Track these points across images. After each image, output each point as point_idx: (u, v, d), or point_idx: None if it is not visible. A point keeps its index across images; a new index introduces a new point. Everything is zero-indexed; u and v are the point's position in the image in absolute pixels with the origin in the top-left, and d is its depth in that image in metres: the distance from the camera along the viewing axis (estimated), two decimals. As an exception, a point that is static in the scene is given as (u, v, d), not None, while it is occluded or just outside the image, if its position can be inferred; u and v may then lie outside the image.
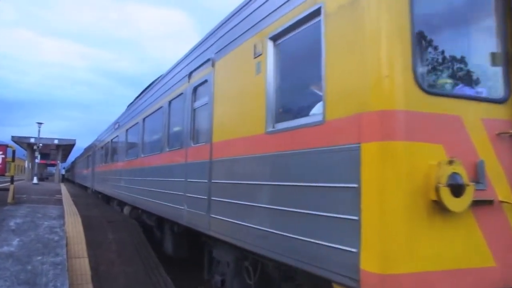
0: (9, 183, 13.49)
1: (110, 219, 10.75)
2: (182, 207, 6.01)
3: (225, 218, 4.61)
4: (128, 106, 12.86)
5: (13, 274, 4.75)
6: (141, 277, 6.05)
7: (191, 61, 6.28)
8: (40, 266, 5.12)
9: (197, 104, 5.95)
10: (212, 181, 5.00)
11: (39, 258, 5.53)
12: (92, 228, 9.11)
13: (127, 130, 11.82)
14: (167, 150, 7.22)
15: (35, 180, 36.62)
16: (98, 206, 15.27)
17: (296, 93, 4.14)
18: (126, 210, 11.86)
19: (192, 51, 6.35)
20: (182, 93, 6.62)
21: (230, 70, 4.91)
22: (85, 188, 29.41)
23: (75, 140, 49.55)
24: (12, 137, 42.40)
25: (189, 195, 5.83)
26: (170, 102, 7.36)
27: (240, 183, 4.34)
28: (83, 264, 6.02)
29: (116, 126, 14.31)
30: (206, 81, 5.52)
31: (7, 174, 13.69)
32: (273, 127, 3.86)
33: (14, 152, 13.63)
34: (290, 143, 3.56)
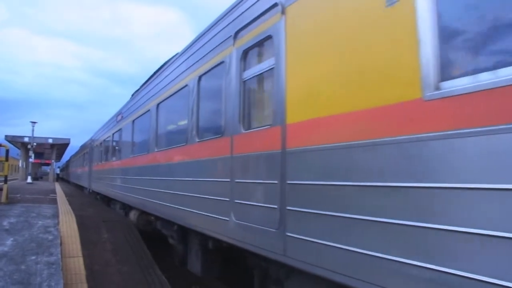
0: (2, 183, 13.38)
1: (105, 218, 10.72)
2: (226, 218, 4.56)
3: (321, 241, 3.10)
4: (133, 95, 11.19)
5: (6, 274, 4.72)
6: (136, 276, 6.03)
7: (237, 17, 4.72)
8: (34, 266, 5.09)
9: (250, 72, 4.43)
10: (288, 182, 3.54)
11: (33, 257, 5.50)
12: (86, 227, 9.07)
13: (133, 121, 10.15)
14: (197, 141, 5.65)
15: (29, 180, 36.38)
16: (92, 205, 15.19)
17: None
18: (133, 215, 10.06)
19: (239, 2, 4.73)
20: (221, 62, 5.05)
21: (323, 9, 3.33)
22: (81, 188, 28.17)
23: (69, 139, 49.32)
24: (6, 136, 42.10)
25: (239, 201, 4.32)
26: (199, 78, 5.77)
27: (357, 186, 2.82)
28: (77, 264, 5.99)
29: (119, 118, 12.58)
30: (269, 37, 4.06)
31: (0, 173, 13.57)
32: (439, 89, 2.31)
33: (7, 151, 13.52)
34: (488, 115, 2.04)
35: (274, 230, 3.67)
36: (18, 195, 16.58)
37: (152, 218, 8.61)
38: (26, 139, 41.66)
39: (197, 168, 5.59)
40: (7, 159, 13.57)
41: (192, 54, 6.15)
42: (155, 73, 8.68)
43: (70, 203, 14.80)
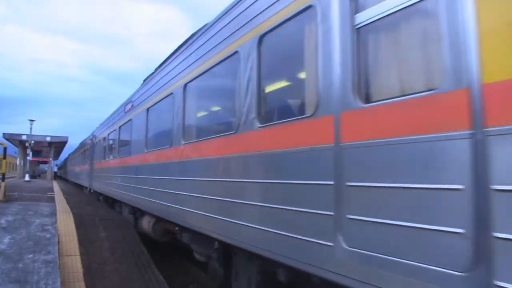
0: (0, 181, 13.35)
1: (103, 217, 10.71)
2: (328, 243, 3.04)
3: None
4: (146, 80, 9.60)
5: (4, 272, 4.72)
6: (133, 275, 6.04)
7: None
8: (31, 264, 5.10)
9: (370, 13, 2.89)
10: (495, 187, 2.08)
11: (31, 256, 5.51)
12: (84, 225, 9.07)
13: (148, 110, 8.58)
14: (258, 126, 4.09)
15: (27, 178, 36.31)
16: (90, 203, 15.17)
17: None
18: (147, 222, 8.44)
19: None
20: (309, 7, 3.46)
21: None
22: (80, 187, 27.05)
23: (67, 137, 49.25)
24: (4, 134, 42.00)
25: (358, 218, 2.80)
26: (261, 39, 4.17)
27: None
28: (75, 262, 6.00)
29: (128, 107, 10.81)
30: None
31: (-2, 171, 13.55)
32: None
33: (5, 149, 13.48)
34: None
35: (463, 274, 2.12)
36: (15, 193, 16.55)
37: (177, 228, 6.84)
38: (24, 137, 41.55)
39: (258, 165, 4.06)
40: (5, 157, 13.53)
41: (249, 7, 4.42)
42: (179, 47, 7.04)
43: (68, 202, 14.78)
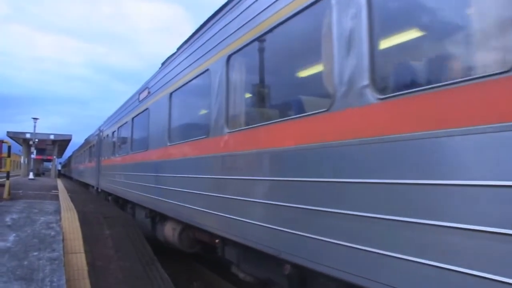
0: (5, 179, 13.43)
1: (107, 215, 10.75)
2: None
3: None
4: (165, 62, 8.16)
5: (9, 269, 4.75)
6: (138, 272, 6.07)
7: None
8: (36, 262, 5.12)
9: None
10: None
11: (36, 253, 5.54)
12: (88, 223, 9.11)
13: (171, 95, 7.24)
14: (378, 98, 2.80)
15: (31, 176, 36.52)
16: (94, 201, 15.24)
17: None
18: (171, 229, 7.20)
19: None
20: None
21: None
22: (85, 185, 25.90)
23: (71, 135, 49.50)
24: (8, 132, 42.23)
25: None
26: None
27: None
28: (79, 260, 6.03)
29: (144, 95, 9.40)
30: None
31: (2, 169, 13.63)
32: None
33: (9, 147, 13.54)
34: None
35: None
36: (20, 191, 16.64)
37: (217, 241, 5.50)
38: (28, 135, 41.78)
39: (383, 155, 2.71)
40: (9, 155, 13.60)
41: None
42: (216, 13, 5.60)
43: (72, 200, 14.85)
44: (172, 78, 7.24)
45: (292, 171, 3.59)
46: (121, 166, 11.45)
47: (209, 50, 5.58)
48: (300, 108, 3.85)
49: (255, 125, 4.37)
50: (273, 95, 4.76)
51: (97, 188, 17.50)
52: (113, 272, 5.95)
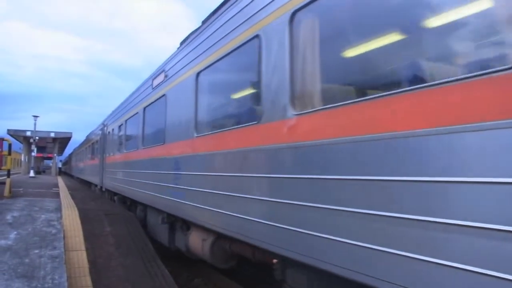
0: (5, 177, 13.44)
1: (107, 212, 10.76)
2: None
3: None
4: (185, 40, 7.01)
5: (11, 267, 4.77)
6: (139, 270, 6.08)
7: None
8: (38, 259, 5.14)
9: None
10: None
11: (37, 251, 5.55)
12: (89, 221, 9.13)
13: (197, 76, 5.99)
14: None
15: (31, 174, 36.56)
16: (95, 199, 15.25)
17: None
18: (200, 240, 6.02)
19: None
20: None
21: None
22: (86, 183, 25.06)
23: (71, 133, 49.52)
24: (8, 130, 42.27)
25: None
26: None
27: None
28: (80, 257, 6.05)
29: (159, 80, 8.01)
30: None
31: (3, 167, 13.64)
32: None
33: (10, 145, 13.55)
34: None
35: None
36: (21, 189, 16.67)
37: (275, 261, 4.32)
38: (28, 133, 41.79)
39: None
40: (9, 153, 13.61)
41: None
42: None
43: (73, 197, 14.87)
44: (200, 55, 5.91)
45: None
46: (130, 163, 10.13)
47: (261, 9, 4.37)
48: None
49: (336, 105, 3.25)
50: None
51: (101, 187, 16.39)
52: (114, 269, 5.96)
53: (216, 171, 5.13)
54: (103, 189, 15.64)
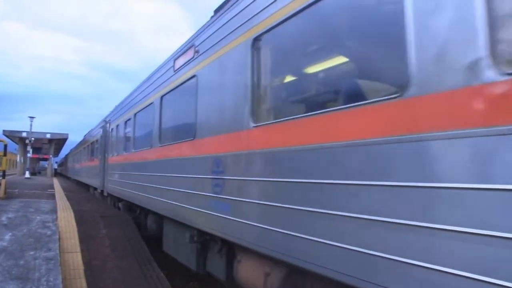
0: (1, 178, 13.37)
1: (103, 214, 10.73)
2: None
3: None
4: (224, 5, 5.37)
5: (5, 269, 4.74)
6: (134, 272, 6.07)
7: None
8: (32, 261, 5.12)
9: None
10: None
11: (32, 253, 5.53)
12: (85, 222, 9.10)
13: (254, 42, 4.34)
14: None
15: (27, 175, 36.36)
16: (90, 200, 15.20)
17: None
18: (262, 274, 4.26)
19: None
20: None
21: None
22: (83, 185, 23.82)
23: (67, 134, 49.28)
24: (4, 131, 42.05)
25: None
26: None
27: None
28: (76, 259, 6.02)
29: (186, 58, 6.28)
30: None
31: (-1, 168, 13.59)
32: None
33: (6, 146, 13.50)
34: None
35: None
36: (16, 190, 16.58)
37: None
38: (24, 134, 41.59)
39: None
40: (5, 154, 13.55)
41: None
42: None
43: (68, 198, 14.82)
44: (258, 14, 4.20)
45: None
46: (141, 164, 8.51)
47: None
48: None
49: None
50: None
51: (102, 191, 14.35)
52: (109, 271, 5.95)
53: (299, 176, 3.40)
54: (105, 194, 13.89)
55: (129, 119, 10.41)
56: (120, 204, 11.76)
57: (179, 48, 6.82)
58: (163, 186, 6.78)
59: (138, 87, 9.78)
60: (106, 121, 14.65)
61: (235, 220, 4.39)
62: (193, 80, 5.89)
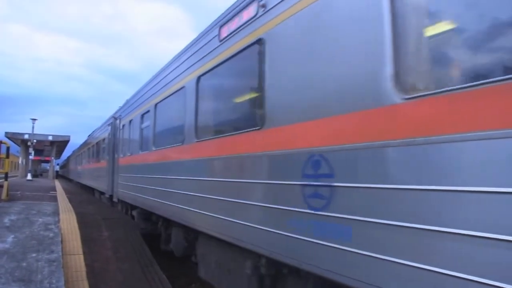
0: (3, 180, 13.41)
1: (105, 216, 10.75)
2: None
3: None
4: None
5: (8, 271, 4.75)
6: (136, 274, 6.07)
7: None
8: (35, 263, 5.13)
9: None
10: None
11: (34, 255, 5.54)
12: (87, 225, 9.11)
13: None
14: None
15: (29, 177, 36.46)
16: (93, 203, 15.22)
17: None
18: None
19: None
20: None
21: None
22: (88, 188, 22.15)
23: (69, 136, 49.44)
24: (6, 133, 42.19)
25: None
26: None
27: None
28: (78, 261, 6.03)
29: (245, 18, 4.59)
30: None
31: (1, 170, 13.62)
32: None
33: (8, 148, 13.54)
34: None
35: None
36: (18, 192, 16.62)
37: None
38: (26, 136, 41.73)
39: None
40: (7, 156, 13.59)
41: None
42: None
43: (70, 201, 14.84)
44: None
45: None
46: (165, 166, 6.98)
47: None
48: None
49: None
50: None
51: (111, 196, 12.72)
52: (111, 273, 5.95)
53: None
54: (115, 200, 12.20)
55: (147, 112, 8.74)
56: (134, 213, 9.97)
57: (222, 14, 5.32)
58: (203, 194, 5.25)
59: (161, 71, 8.03)
60: (115, 118, 13.02)
61: (364, 255, 2.72)
62: (256, 46, 4.34)
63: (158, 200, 7.20)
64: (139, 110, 9.61)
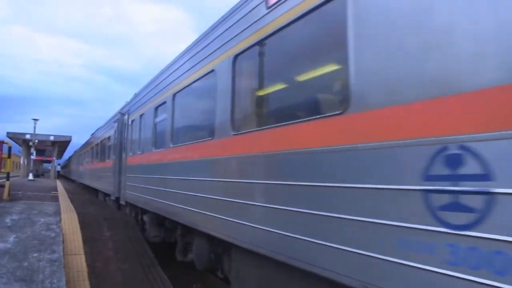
0: (5, 180, 13.43)
1: (106, 216, 10.74)
2: None
3: None
4: None
5: (9, 271, 4.75)
6: (137, 275, 6.06)
7: None
8: (36, 263, 5.12)
9: None
10: None
11: (36, 255, 5.54)
12: (88, 225, 9.11)
13: None
14: None
15: (30, 177, 36.51)
16: (94, 203, 15.22)
17: None
18: None
19: None
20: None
21: None
22: (92, 190, 20.95)
23: (71, 136, 49.53)
24: (8, 133, 42.28)
25: None
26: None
27: None
28: (79, 261, 6.03)
29: None
30: None
31: (2, 170, 13.63)
32: None
33: (10, 148, 13.55)
34: None
35: None
36: (20, 192, 16.64)
37: None
38: (27, 136, 41.81)
39: None
40: (9, 156, 13.60)
41: None
42: None
43: (72, 201, 14.84)
44: None
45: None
46: (187, 165, 5.98)
47: None
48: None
49: None
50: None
51: (118, 199, 11.66)
52: (113, 274, 5.95)
53: None
54: (122, 202, 11.11)
55: (162, 104, 7.64)
56: (145, 217, 8.91)
57: None
58: (245, 200, 4.19)
59: (181, 56, 6.85)
60: (122, 113, 11.87)
61: None
62: (335, 3, 3.10)
63: (178, 205, 6.17)
64: (152, 102, 8.49)
